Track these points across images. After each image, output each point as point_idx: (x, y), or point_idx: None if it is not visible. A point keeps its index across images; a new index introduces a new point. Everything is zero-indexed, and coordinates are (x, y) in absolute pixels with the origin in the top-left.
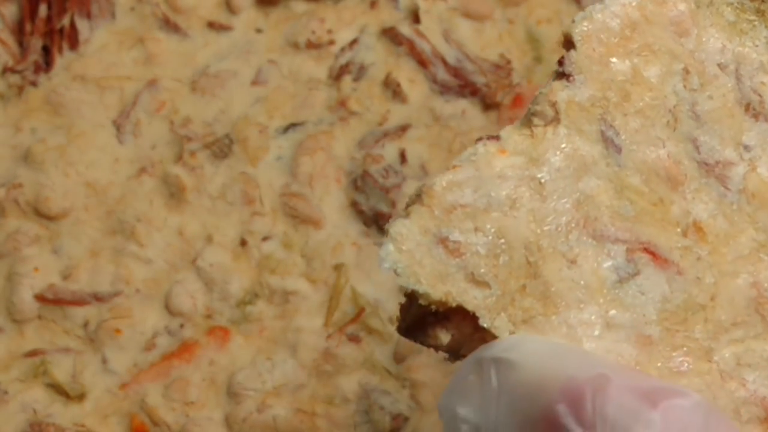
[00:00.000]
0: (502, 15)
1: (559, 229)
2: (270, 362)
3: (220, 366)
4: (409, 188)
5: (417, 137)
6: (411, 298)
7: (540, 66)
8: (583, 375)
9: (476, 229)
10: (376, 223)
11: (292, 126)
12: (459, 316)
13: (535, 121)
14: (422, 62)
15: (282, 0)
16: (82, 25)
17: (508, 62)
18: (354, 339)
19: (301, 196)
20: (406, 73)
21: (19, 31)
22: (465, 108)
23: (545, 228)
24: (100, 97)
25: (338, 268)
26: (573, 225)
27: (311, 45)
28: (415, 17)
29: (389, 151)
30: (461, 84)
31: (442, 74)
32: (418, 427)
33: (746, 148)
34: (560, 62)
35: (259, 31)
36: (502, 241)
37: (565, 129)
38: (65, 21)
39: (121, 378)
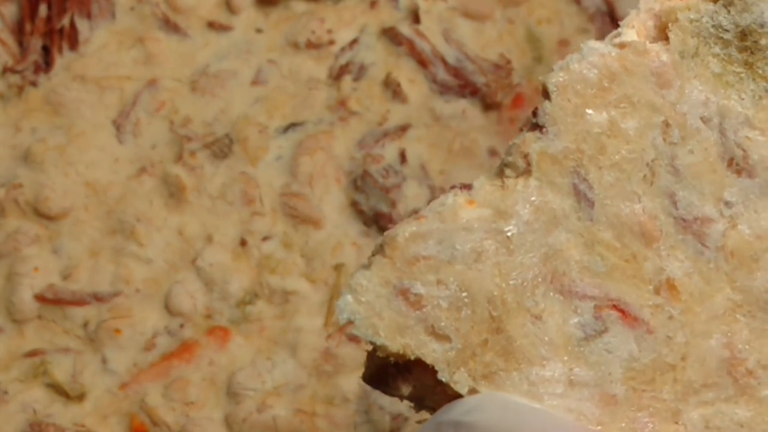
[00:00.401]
0: (502, 15)
1: (525, 283)
2: (270, 362)
3: (220, 366)
4: (409, 188)
5: (417, 137)
6: (374, 347)
7: (540, 66)
8: None
9: (439, 282)
10: (376, 223)
11: (292, 126)
12: (420, 369)
13: (507, 172)
14: (422, 62)
15: (282, 0)
16: (82, 25)
17: (508, 62)
18: (354, 339)
19: (301, 195)
20: (406, 73)
21: (19, 31)
22: (465, 108)
23: (510, 282)
24: (100, 97)
25: (338, 268)
26: (540, 280)
27: (311, 45)
28: (415, 17)
29: (389, 151)
30: (461, 84)
31: (442, 74)
32: (419, 428)
33: (727, 204)
34: (534, 113)
35: (259, 31)
36: (465, 294)
37: (537, 181)
38: (65, 21)
39: (121, 378)
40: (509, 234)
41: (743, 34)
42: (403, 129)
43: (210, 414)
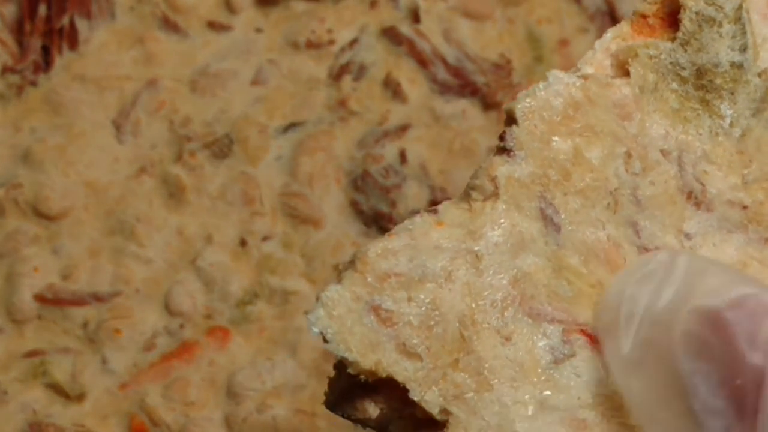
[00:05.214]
0: (502, 15)
1: (495, 304)
2: (270, 362)
3: (220, 366)
4: (409, 188)
5: (417, 137)
6: (340, 369)
7: (540, 66)
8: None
9: (410, 299)
10: (376, 223)
11: (292, 126)
12: (388, 389)
13: (474, 195)
14: (422, 62)
15: (282, 0)
16: (81, 24)
17: (509, 62)
18: None
19: (301, 196)
20: (406, 73)
21: (19, 31)
22: (465, 108)
23: (480, 303)
24: (99, 97)
25: (338, 268)
26: (509, 301)
27: (311, 45)
28: (415, 17)
29: (389, 151)
30: (461, 84)
31: (443, 74)
32: None
33: (687, 236)
34: (501, 137)
35: (259, 30)
36: (436, 312)
37: (504, 204)
38: (65, 21)
39: (121, 378)
40: (479, 254)
41: (699, 73)
42: (403, 129)
43: (210, 414)
